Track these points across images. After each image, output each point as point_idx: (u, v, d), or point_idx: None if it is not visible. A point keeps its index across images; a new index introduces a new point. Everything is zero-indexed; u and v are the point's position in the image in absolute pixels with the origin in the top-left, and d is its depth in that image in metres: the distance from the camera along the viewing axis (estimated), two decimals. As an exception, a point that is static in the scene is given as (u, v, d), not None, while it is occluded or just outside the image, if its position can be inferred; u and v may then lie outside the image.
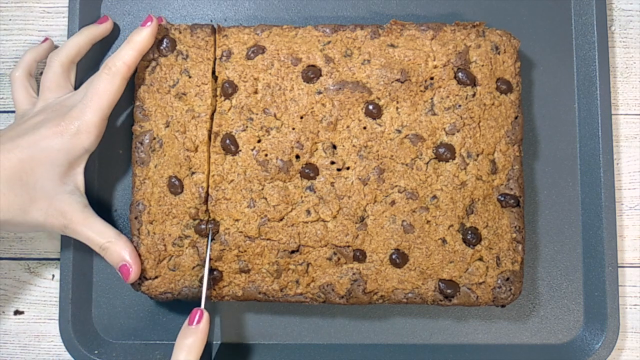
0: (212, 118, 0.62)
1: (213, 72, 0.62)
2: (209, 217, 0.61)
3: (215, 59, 0.62)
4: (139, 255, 0.61)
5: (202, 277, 0.61)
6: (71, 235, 0.60)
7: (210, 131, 0.62)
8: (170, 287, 0.61)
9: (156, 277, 0.61)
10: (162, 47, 0.62)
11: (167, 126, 0.62)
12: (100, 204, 0.66)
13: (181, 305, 0.66)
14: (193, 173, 0.61)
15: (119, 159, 0.67)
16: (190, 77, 0.62)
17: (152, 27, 0.61)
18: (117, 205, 0.67)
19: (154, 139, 0.62)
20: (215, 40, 0.63)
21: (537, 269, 0.66)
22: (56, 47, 0.68)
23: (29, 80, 0.65)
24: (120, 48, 0.60)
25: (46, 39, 0.67)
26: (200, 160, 0.61)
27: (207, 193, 0.61)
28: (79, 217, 0.59)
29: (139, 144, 0.62)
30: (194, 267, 0.61)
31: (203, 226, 0.61)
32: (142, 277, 0.61)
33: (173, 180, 0.61)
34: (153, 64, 0.62)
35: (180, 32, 0.63)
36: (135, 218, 0.62)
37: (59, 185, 0.59)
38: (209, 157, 0.61)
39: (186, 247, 0.61)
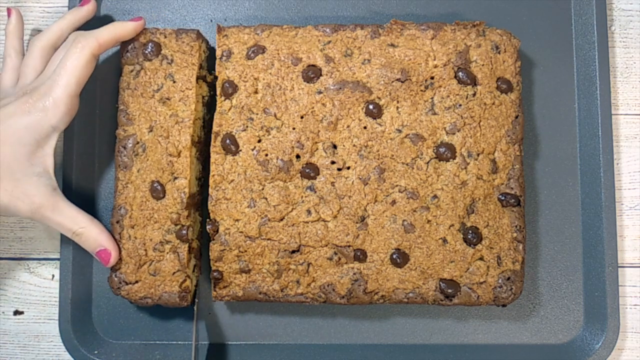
0: (195, 124, 0.62)
1: (198, 78, 0.63)
2: (191, 224, 0.61)
3: (200, 63, 0.63)
4: (120, 260, 0.61)
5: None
6: (41, 222, 0.59)
7: (192, 136, 0.61)
8: (150, 292, 0.61)
9: (136, 282, 0.61)
10: (147, 52, 0.62)
11: (151, 131, 0.61)
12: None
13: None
14: (175, 178, 0.61)
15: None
16: (174, 82, 0.62)
17: (138, 23, 0.61)
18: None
19: (137, 143, 0.61)
20: (200, 46, 0.63)
21: (537, 269, 0.66)
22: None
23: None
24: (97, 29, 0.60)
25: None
26: (182, 166, 0.61)
27: (188, 198, 0.61)
28: (48, 202, 0.57)
29: (122, 148, 0.61)
30: (174, 273, 0.61)
31: (184, 232, 0.60)
32: (123, 281, 0.61)
33: (155, 185, 0.60)
34: (137, 67, 0.62)
35: (165, 37, 0.62)
36: (117, 222, 0.61)
37: (26, 166, 0.57)
38: (192, 162, 0.61)
39: (167, 253, 0.61)
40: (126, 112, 0.62)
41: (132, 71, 0.62)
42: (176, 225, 0.61)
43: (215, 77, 0.63)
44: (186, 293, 0.61)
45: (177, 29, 0.63)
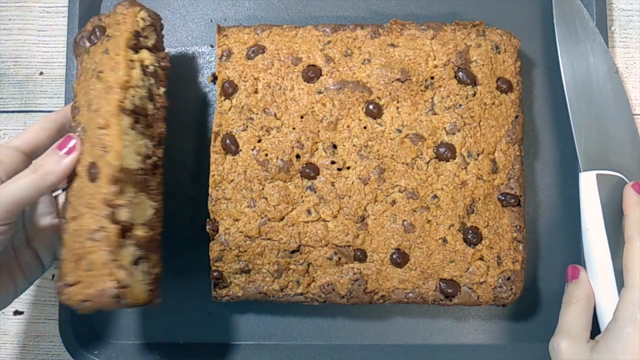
0: (128, 90, 0.55)
1: (138, 47, 0.58)
2: (127, 205, 0.53)
3: (136, 30, 0.58)
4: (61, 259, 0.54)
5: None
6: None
7: (122, 103, 0.54)
8: (89, 292, 0.52)
9: (76, 283, 0.53)
10: (92, 37, 0.58)
11: (88, 109, 0.56)
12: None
13: (181, 306, 0.66)
14: (106, 152, 0.53)
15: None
16: (108, 53, 0.56)
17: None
18: None
19: (81, 128, 0.56)
20: (135, 13, 0.58)
21: (537, 269, 0.66)
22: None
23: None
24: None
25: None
26: (111, 136, 0.53)
27: (119, 172, 0.53)
28: None
29: None
30: (106, 263, 0.52)
31: (115, 211, 0.52)
32: (66, 284, 0.53)
33: (90, 166, 0.54)
34: (85, 56, 0.58)
35: (108, 17, 0.59)
36: (64, 218, 0.55)
37: None
38: (122, 132, 0.54)
39: (101, 241, 0.52)
40: (74, 103, 0.57)
41: (81, 62, 0.59)
42: (110, 207, 0.52)
43: (215, 78, 0.63)
44: (123, 288, 0.52)
45: (117, 4, 0.59)
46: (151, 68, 0.59)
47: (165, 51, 0.62)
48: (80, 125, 0.56)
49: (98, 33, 0.58)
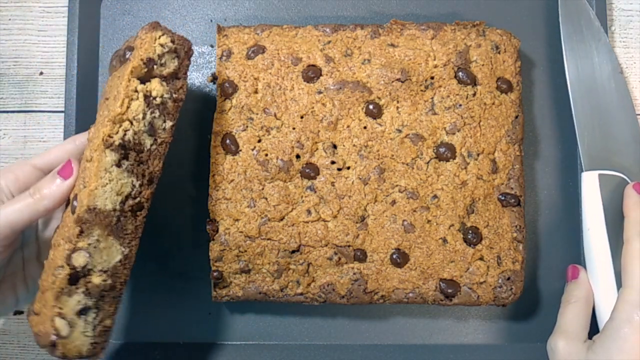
0: (116, 123, 0.51)
1: (147, 76, 0.54)
2: (88, 248, 0.50)
3: (150, 57, 0.53)
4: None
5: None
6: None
7: (109, 137, 0.51)
8: (39, 328, 0.50)
9: (37, 313, 0.51)
10: (122, 58, 0.55)
11: (92, 136, 0.54)
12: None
13: (181, 305, 0.66)
14: (84, 187, 0.51)
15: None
16: (120, 79, 0.53)
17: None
18: None
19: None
20: (153, 38, 0.54)
21: (537, 269, 0.66)
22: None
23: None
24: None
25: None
26: (90, 172, 0.51)
27: (85, 212, 0.50)
28: None
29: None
30: (51, 307, 0.49)
31: (70, 254, 0.49)
32: (31, 309, 0.53)
33: (74, 197, 0.51)
34: (110, 76, 0.56)
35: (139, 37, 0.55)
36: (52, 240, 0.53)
37: None
38: (102, 169, 0.51)
39: (56, 281, 0.50)
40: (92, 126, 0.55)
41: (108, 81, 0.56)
42: (71, 245, 0.49)
43: (215, 78, 0.63)
44: (60, 338, 0.49)
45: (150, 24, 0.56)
46: (158, 100, 0.54)
47: (186, 80, 0.56)
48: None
49: (127, 54, 0.54)
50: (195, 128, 0.67)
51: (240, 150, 0.61)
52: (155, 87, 0.54)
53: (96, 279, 0.51)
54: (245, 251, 0.60)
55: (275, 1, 0.69)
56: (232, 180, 0.61)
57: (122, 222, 0.52)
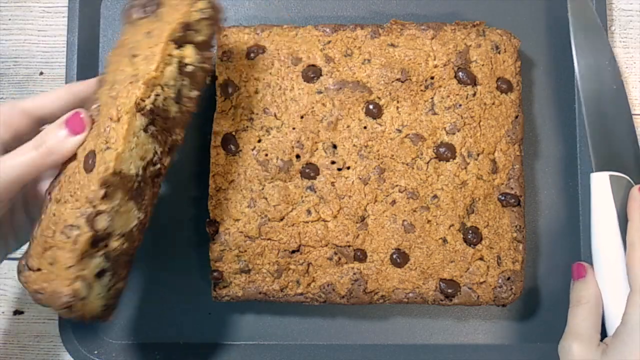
0: (151, 87, 0.49)
1: (181, 40, 0.51)
2: (110, 212, 0.49)
3: (188, 22, 0.51)
4: (32, 238, 0.50)
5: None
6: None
7: (141, 100, 0.49)
8: (44, 286, 0.49)
9: (38, 270, 0.49)
10: (147, 7, 0.52)
11: (109, 90, 0.51)
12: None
13: (181, 305, 0.66)
14: (107, 148, 0.48)
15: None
16: (150, 37, 0.51)
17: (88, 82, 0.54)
18: None
19: (98, 106, 0.51)
20: (194, 1, 0.52)
21: (537, 269, 0.66)
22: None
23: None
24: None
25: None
26: (117, 133, 0.48)
27: (111, 175, 0.48)
28: None
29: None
30: (68, 267, 0.48)
31: (93, 216, 0.48)
32: (26, 265, 0.51)
33: (90, 154, 0.49)
34: (128, 26, 0.53)
35: None
36: (49, 192, 0.51)
37: None
38: (131, 133, 0.49)
39: (71, 240, 0.48)
40: (102, 75, 0.52)
41: (124, 31, 0.53)
42: (90, 206, 0.48)
43: (215, 77, 0.63)
44: (73, 299, 0.48)
45: None
46: (189, 68, 0.52)
47: (213, 51, 0.55)
48: (97, 102, 0.51)
49: (154, 6, 0.52)
50: (195, 128, 0.67)
51: (240, 150, 0.61)
52: (189, 54, 0.52)
53: (115, 243, 0.50)
54: (245, 251, 0.60)
55: (275, 1, 0.69)
56: (232, 180, 0.61)
57: (142, 188, 0.51)
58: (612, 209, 0.59)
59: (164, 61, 0.50)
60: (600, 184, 0.60)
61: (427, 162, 0.61)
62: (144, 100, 0.49)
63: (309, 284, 0.61)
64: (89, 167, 0.48)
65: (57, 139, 0.50)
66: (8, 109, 0.52)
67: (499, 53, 0.63)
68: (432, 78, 0.62)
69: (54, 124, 0.51)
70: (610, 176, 0.60)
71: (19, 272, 0.51)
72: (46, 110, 0.54)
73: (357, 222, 0.60)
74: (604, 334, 0.58)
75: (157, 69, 0.49)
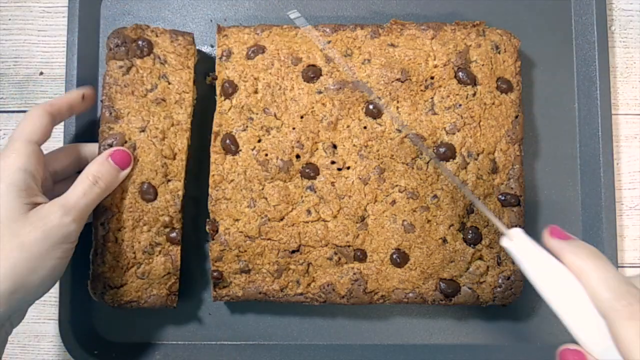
0: (191, 127, 0.62)
1: (194, 82, 0.63)
2: (182, 225, 0.61)
3: (194, 67, 0.62)
4: (104, 263, 0.60)
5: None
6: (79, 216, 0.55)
7: (189, 139, 0.61)
8: (137, 295, 0.61)
9: (122, 285, 0.60)
10: (138, 49, 0.61)
11: (143, 131, 0.60)
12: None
13: (181, 306, 0.66)
14: (169, 180, 0.60)
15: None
16: (169, 83, 0.61)
17: (87, 92, 0.60)
18: None
19: (126, 142, 0.60)
20: (194, 50, 0.63)
21: (537, 269, 0.66)
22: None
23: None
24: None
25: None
26: (177, 169, 0.60)
27: (182, 201, 0.60)
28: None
29: (107, 146, 0.59)
30: (164, 275, 0.61)
31: (175, 234, 0.60)
32: (107, 285, 0.60)
33: (146, 186, 0.60)
34: (127, 64, 0.61)
35: (157, 36, 0.62)
36: (101, 224, 0.60)
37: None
38: (187, 165, 0.61)
39: (157, 255, 0.60)
40: (113, 109, 0.60)
41: (121, 67, 0.61)
42: (167, 227, 0.60)
43: (215, 78, 0.63)
44: (174, 295, 0.61)
45: (170, 30, 0.62)
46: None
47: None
48: (121, 137, 0.59)
49: (145, 47, 0.61)
50: (195, 128, 0.67)
51: (240, 150, 0.61)
52: (195, 93, 0.64)
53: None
54: (245, 251, 0.60)
55: (275, 1, 0.69)
56: (232, 180, 0.61)
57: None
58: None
59: (194, 104, 0.63)
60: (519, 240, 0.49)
61: (427, 162, 0.61)
62: (189, 139, 0.62)
63: (309, 284, 0.61)
64: (149, 198, 0.60)
65: (110, 175, 0.58)
66: (58, 153, 0.61)
67: (499, 53, 0.63)
68: (432, 78, 0.62)
69: (102, 159, 0.58)
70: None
71: (100, 293, 0.60)
72: (34, 138, 0.56)
73: (357, 222, 0.60)
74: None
75: (191, 113, 0.62)
